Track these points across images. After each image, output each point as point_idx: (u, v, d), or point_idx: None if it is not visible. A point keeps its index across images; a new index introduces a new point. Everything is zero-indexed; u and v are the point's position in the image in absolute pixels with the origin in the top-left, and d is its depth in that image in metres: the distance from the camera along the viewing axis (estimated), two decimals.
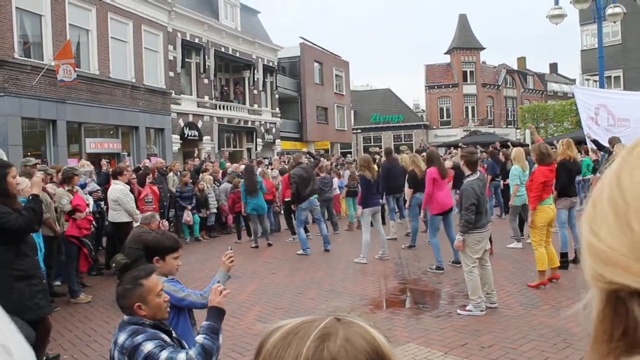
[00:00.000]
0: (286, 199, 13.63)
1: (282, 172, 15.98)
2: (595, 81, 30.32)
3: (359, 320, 0.86)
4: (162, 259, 3.62)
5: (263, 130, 32.82)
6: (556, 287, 8.15)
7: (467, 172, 7.29)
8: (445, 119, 52.19)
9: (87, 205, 9.26)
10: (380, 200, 12.14)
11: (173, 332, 3.02)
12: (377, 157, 15.90)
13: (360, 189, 11.03)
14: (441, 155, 12.89)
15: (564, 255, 9.22)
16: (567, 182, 9.09)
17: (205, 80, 27.43)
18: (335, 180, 16.48)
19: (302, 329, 0.84)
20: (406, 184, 11.99)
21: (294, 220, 12.69)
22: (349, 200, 15.46)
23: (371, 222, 10.88)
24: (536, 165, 8.51)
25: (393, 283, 9.07)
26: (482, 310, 7.02)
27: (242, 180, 13.58)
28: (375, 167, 11.87)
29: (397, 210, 14.06)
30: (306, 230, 13.04)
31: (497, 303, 7.29)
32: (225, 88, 30.72)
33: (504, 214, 15.02)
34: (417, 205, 11.73)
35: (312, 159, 14.38)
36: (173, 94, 24.52)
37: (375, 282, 9.15)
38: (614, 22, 22.83)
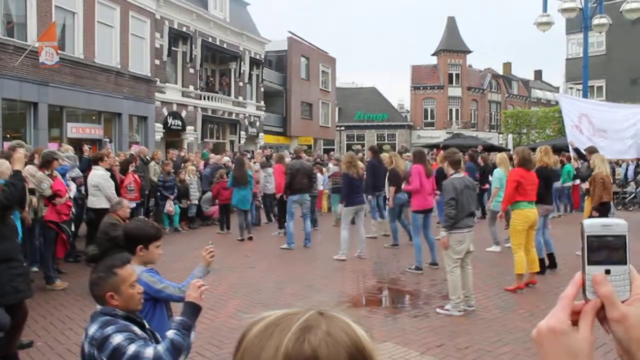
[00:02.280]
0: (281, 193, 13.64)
1: (263, 166, 16.01)
2: (578, 90, 30.69)
3: (342, 315, 0.86)
4: (146, 248, 3.58)
5: (247, 123, 32.71)
6: (533, 291, 8.25)
7: (450, 171, 7.37)
8: (429, 120, 52.47)
9: (68, 190, 9.15)
10: (369, 198, 12.29)
11: (146, 324, 2.97)
12: (361, 154, 15.89)
13: (343, 187, 11.08)
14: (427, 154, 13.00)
15: (541, 261, 9.29)
16: (544, 189, 9.16)
17: (191, 70, 27.24)
18: (320, 177, 16.48)
19: (285, 321, 0.83)
20: (386, 183, 12.07)
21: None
22: (334, 197, 15.46)
23: (353, 220, 10.90)
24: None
25: (372, 282, 9.10)
26: (459, 311, 7.09)
27: (231, 171, 13.60)
28: (360, 164, 11.93)
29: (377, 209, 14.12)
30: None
31: (475, 306, 7.35)
32: (211, 79, 30.56)
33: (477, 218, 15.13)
34: (398, 205, 11.81)
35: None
36: (158, 82, 24.32)
37: (354, 280, 9.18)
38: (600, 33, 23.12)
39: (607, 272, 0.86)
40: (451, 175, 7.34)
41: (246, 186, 13.19)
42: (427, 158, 11.31)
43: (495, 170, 11.52)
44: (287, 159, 13.75)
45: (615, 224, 0.87)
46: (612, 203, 11.13)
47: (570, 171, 16.89)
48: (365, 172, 12.05)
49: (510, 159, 11.57)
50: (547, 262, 9.44)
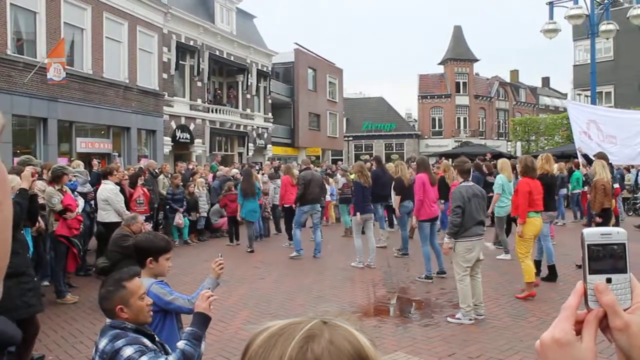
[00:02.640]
0: (286, 205, 13.65)
1: (271, 177, 16.11)
2: (586, 96, 30.59)
3: (346, 324, 0.87)
4: (156, 260, 3.62)
5: (255, 135, 32.80)
6: (544, 299, 8.19)
7: (459, 179, 7.48)
8: (437, 129, 52.41)
9: (77, 205, 9.22)
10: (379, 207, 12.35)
11: (156, 336, 2.99)
12: (369, 164, 15.93)
13: (354, 196, 11.20)
14: (432, 164, 13.09)
15: (551, 268, 9.40)
16: (546, 196, 9.17)
17: (199, 83, 27.39)
18: (328, 188, 16.52)
19: (288, 330, 0.84)
20: (392, 192, 12.14)
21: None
22: (342, 207, 15.53)
23: (362, 230, 10.96)
24: (520, 177, 8.69)
25: (382, 291, 9.08)
26: (470, 320, 7.08)
27: (239, 183, 13.73)
28: (353, 175, 12.05)
29: (386, 219, 14.16)
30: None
31: (485, 314, 7.32)
32: (219, 92, 30.71)
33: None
34: (405, 213, 11.86)
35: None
36: (166, 96, 24.47)
37: (364, 289, 9.16)
38: (607, 39, 23.08)
39: (609, 280, 0.87)
40: (460, 183, 7.42)
41: (254, 198, 13.33)
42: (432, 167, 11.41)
43: (498, 177, 11.56)
44: (295, 171, 13.83)
45: (614, 232, 0.88)
46: (622, 208, 11.13)
47: (579, 178, 16.81)
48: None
49: (514, 168, 11.63)
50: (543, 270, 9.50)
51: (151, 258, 3.59)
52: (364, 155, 35.62)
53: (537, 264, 9.56)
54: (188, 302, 3.60)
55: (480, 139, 50.15)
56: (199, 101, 27.43)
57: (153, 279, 3.59)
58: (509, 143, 46.49)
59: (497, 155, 26.74)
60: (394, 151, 50.87)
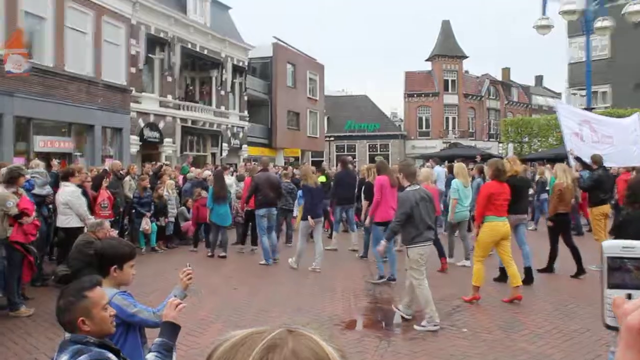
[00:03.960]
0: (248, 208, 13.79)
1: (239, 179, 16.16)
2: (582, 96, 30.98)
3: (313, 333, 0.85)
4: (120, 268, 3.59)
5: (229, 135, 32.69)
6: (536, 310, 8.25)
7: (405, 183, 7.81)
8: (424, 129, 52.71)
9: (34, 208, 9.06)
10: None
11: (121, 352, 2.93)
12: (352, 167, 16.09)
13: (304, 199, 11.83)
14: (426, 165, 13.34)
15: (528, 270, 9.82)
16: (515, 198, 9.45)
17: (169, 79, 27.23)
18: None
19: (250, 340, 0.84)
20: (362, 196, 12.55)
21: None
22: None
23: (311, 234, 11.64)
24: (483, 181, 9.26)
25: (364, 302, 9.08)
26: (435, 325, 7.34)
27: (211, 186, 13.91)
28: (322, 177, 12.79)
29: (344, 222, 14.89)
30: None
31: (474, 326, 7.35)
32: (191, 87, 30.52)
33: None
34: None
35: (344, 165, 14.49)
36: (134, 92, 24.27)
37: (345, 300, 9.15)
38: (603, 36, 23.40)
39: (629, 296, 0.85)
40: (407, 187, 7.73)
41: (225, 201, 13.52)
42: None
43: (453, 182, 11.97)
44: (272, 168, 14.30)
45: (636, 246, 0.87)
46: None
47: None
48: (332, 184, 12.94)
49: (480, 171, 12.44)
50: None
51: (115, 266, 3.56)
52: (345, 157, 35.63)
53: (527, 271, 9.85)
54: (153, 314, 3.57)
55: (470, 140, 50.57)
56: (170, 97, 27.25)
57: (115, 288, 3.56)
58: (500, 145, 46.93)
59: (487, 158, 26.94)
60: (379, 152, 50.96)
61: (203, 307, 8.72)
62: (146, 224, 13.92)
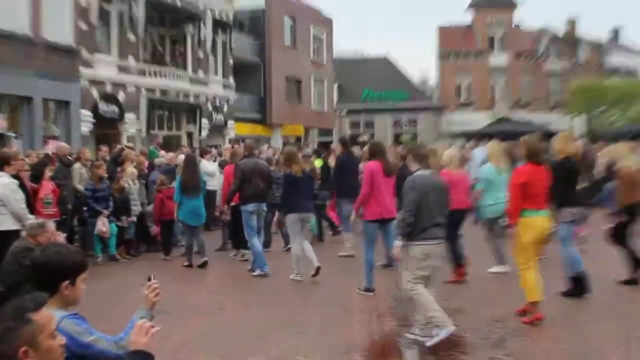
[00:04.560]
0: (232, 203, 13.84)
1: (221, 165, 16.21)
2: None
3: None
4: (72, 284, 3.55)
5: (210, 108, 32.70)
6: (612, 334, 8.15)
7: (414, 167, 8.11)
8: (464, 99, 52.65)
9: None
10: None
11: None
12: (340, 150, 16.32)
13: (283, 189, 12.21)
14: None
15: (577, 281, 9.83)
16: (568, 188, 9.56)
17: (131, 37, 27.25)
18: None
19: None
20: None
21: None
22: None
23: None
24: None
25: (390, 324, 9.02)
26: (446, 327, 7.60)
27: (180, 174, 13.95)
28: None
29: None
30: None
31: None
32: (159, 48, 30.52)
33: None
34: None
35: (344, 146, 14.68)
36: (84, 54, 24.29)
37: (364, 323, 9.10)
38: None
39: None
40: (415, 171, 8.00)
41: (198, 194, 13.55)
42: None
43: (483, 167, 12.24)
44: (257, 152, 14.39)
45: None
46: None
47: None
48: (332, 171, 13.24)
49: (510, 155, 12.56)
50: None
51: (67, 281, 3.53)
52: (362, 136, 35.52)
53: (577, 281, 9.89)
54: (115, 344, 3.58)
55: (525, 112, 50.40)
56: (132, 61, 27.28)
57: (63, 310, 3.51)
58: (565, 118, 46.76)
59: (550, 135, 26.78)
60: (404, 130, 50.97)
61: (179, 332, 8.67)
62: (103, 225, 13.88)
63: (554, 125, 45.88)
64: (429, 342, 7.53)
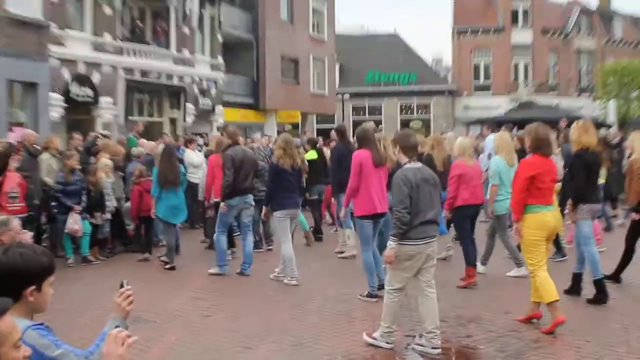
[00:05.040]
0: (215, 199, 14.06)
1: (206, 155, 16.38)
2: None
3: None
4: (38, 289, 3.55)
5: (196, 92, 32.65)
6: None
7: (403, 159, 8.26)
8: (482, 81, 52.61)
9: None
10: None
11: None
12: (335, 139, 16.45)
13: (270, 183, 12.41)
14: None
15: (598, 284, 10.01)
16: (586, 182, 9.66)
17: (107, 10, 27.21)
18: None
19: None
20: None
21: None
22: None
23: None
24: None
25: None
26: (388, 343, 8.10)
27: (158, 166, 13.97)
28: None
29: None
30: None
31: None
32: (139, 23, 30.45)
33: None
34: None
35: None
36: (54, 29, 24.27)
37: (367, 332, 9.08)
38: None
39: None
40: (405, 164, 8.15)
41: (178, 188, 13.73)
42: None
43: (492, 161, 12.20)
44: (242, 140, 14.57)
45: None
46: None
47: None
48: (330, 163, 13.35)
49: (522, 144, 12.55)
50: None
51: (34, 287, 3.52)
52: (367, 122, 35.52)
53: (577, 278, 10.32)
54: (84, 358, 3.58)
55: (551, 96, 50.37)
56: (108, 38, 27.24)
57: (27, 319, 3.52)
58: (597, 102, 46.73)
59: (598, 125, 26.79)
60: (415, 116, 50.96)
61: (159, 341, 8.71)
62: (75, 223, 13.87)
63: (584, 110, 45.89)
64: (367, 339, 8.13)
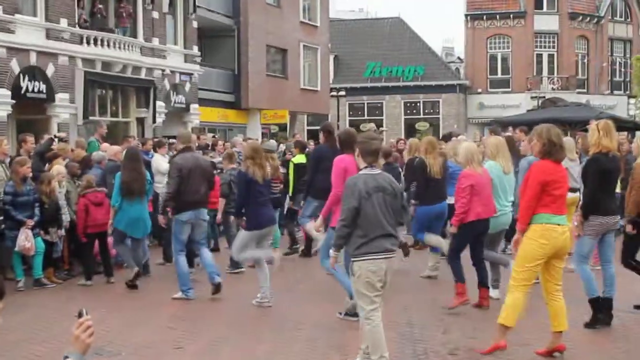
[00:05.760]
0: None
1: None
2: None
3: None
4: None
5: (168, 87, 32.69)
6: None
7: (361, 164, 8.47)
8: (500, 75, 52.71)
9: None
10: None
11: None
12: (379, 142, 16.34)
13: (238, 195, 12.63)
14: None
15: (595, 302, 10.12)
16: (602, 190, 9.73)
17: None
18: None
19: None
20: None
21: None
22: None
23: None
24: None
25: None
26: None
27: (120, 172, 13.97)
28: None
29: None
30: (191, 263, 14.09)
31: None
32: (100, 6, 30.45)
33: None
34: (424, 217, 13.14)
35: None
36: (1, 14, 24.32)
37: None
38: None
39: None
40: (361, 170, 8.43)
41: (142, 198, 13.86)
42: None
43: (486, 166, 12.16)
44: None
45: None
46: None
47: None
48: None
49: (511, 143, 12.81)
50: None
51: None
52: (366, 124, 35.54)
53: (605, 304, 10.20)
54: None
55: (579, 93, 50.40)
56: (64, 24, 27.25)
57: None
58: (632, 100, 46.83)
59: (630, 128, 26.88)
60: (422, 116, 51.01)
61: None
62: (26, 240, 13.86)
63: (618, 109, 45.98)
64: None
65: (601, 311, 10.07)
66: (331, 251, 8.47)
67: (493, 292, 12.02)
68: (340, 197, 10.37)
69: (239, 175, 12.52)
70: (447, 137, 19.73)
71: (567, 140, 13.20)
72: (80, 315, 3.72)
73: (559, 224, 8.79)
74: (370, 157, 8.30)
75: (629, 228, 10.75)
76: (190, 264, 13.93)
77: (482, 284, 11.60)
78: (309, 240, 16.79)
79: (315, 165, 13.84)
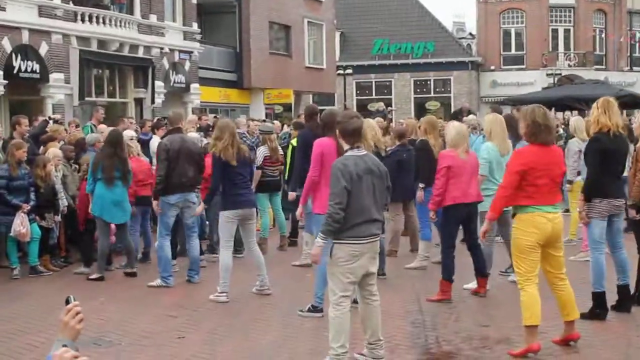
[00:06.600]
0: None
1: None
2: None
3: None
4: None
5: (167, 66, 32.65)
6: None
7: (344, 145, 8.46)
8: (513, 52, 52.58)
9: None
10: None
11: None
12: (383, 121, 16.27)
13: (213, 178, 12.43)
14: None
15: (598, 297, 10.05)
16: (604, 171, 9.66)
17: None
18: None
19: None
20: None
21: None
22: (260, 199, 15.91)
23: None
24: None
25: (409, 357, 9.10)
26: None
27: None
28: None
29: None
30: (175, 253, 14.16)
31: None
32: None
33: None
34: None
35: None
36: None
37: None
38: None
39: None
40: (346, 152, 8.36)
41: (123, 184, 13.86)
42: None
43: (484, 147, 12.26)
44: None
45: None
46: None
47: None
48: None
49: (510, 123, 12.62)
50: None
51: None
52: (373, 104, 35.43)
53: (622, 291, 10.30)
54: None
55: (597, 69, 50.25)
56: (57, 0, 27.20)
57: None
58: None
59: (631, 102, 26.86)
60: (433, 94, 50.90)
61: None
62: (21, 225, 13.87)
63: (637, 86, 45.82)
64: None
65: (602, 307, 10.00)
66: (318, 240, 8.23)
67: (513, 277, 11.79)
68: (317, 180, 10.61)
69: (213, 156, 12.28)
70: (457, 113, 19.65)
71: (578, 120, 13.43)
72: (67, 302, 3.74)
73: (548, 212, 8.73)
74: (351, 138, 8.29)
75: (632, 213, 10.60)
76: (173, 256, 13.90)
77: (479, 273, 11.65)
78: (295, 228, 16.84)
79: (303, 152, 13.56)
